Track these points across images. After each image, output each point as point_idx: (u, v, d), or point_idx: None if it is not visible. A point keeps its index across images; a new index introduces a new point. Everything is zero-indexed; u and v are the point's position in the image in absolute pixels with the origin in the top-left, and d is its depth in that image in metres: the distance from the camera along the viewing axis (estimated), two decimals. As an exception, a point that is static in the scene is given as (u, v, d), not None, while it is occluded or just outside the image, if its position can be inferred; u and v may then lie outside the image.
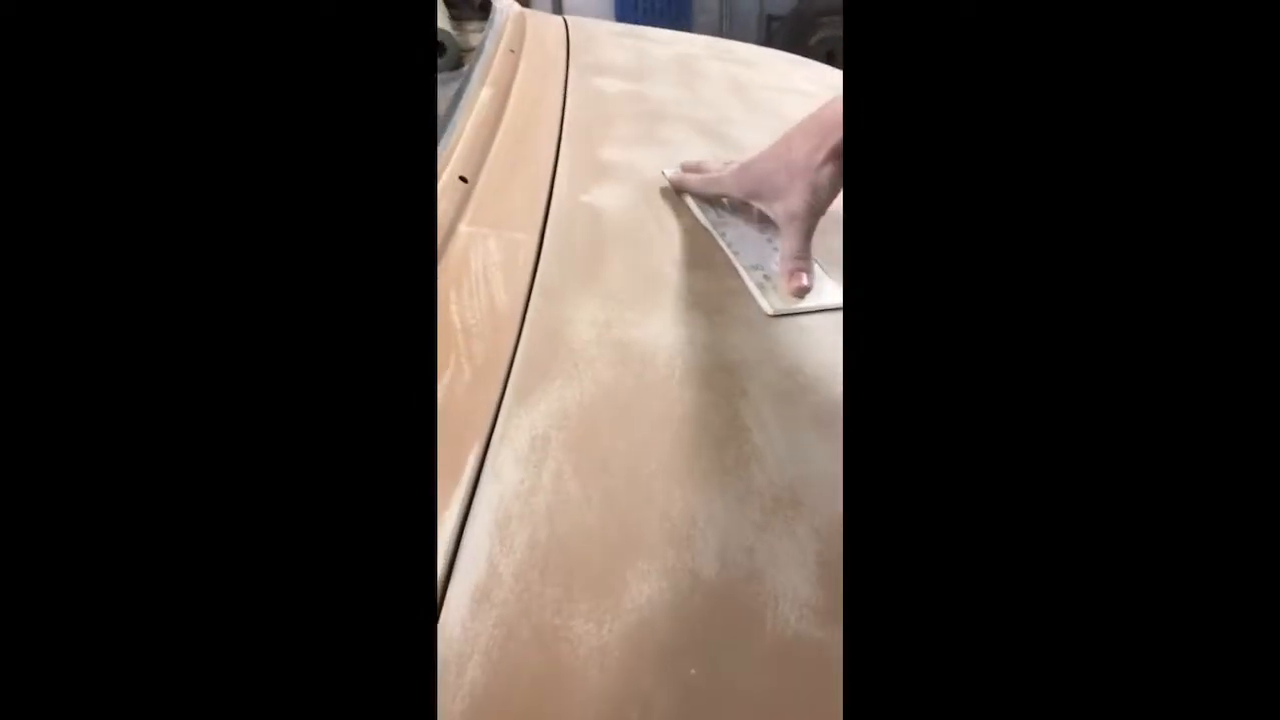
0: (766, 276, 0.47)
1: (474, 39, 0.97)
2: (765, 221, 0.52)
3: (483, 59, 0.70)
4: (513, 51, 0.76)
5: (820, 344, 0.44)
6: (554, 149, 0.58)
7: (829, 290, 0.47)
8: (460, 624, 0.30)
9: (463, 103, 0.61)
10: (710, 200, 0.54)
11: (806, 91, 0.87)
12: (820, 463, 0.37)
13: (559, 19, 1.02)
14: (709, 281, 0.47)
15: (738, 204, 0.54)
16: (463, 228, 0.47)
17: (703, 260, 0.49)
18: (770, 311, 0.44)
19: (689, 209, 0.53)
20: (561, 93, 0.69)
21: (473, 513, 0.33)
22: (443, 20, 0.94)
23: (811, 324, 0.45)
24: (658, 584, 0.32)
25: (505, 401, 0.37)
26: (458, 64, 0.91)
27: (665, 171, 0.57)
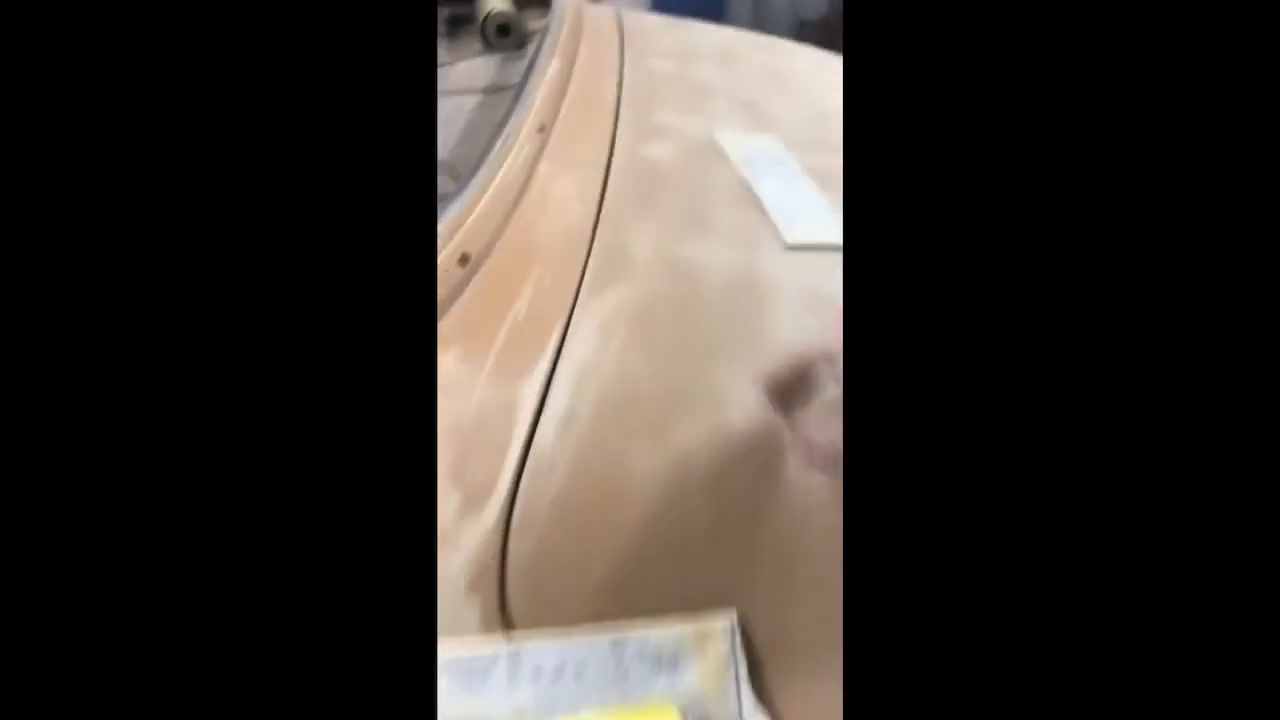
0: (789, 218, 0.56)
1: (534, 25, 1.07)
2: (795, 177, 0.61)
3: (549, 38, 0.80)
4: (574, 34, 0.85)
5: (833, 265, 0.53)
6: (614, 111, 0.68)
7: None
8: (548, 444, 0.40)
9: (535, 71, 0.70)
10: (749, 159, 0.63)
11: (837, 85, 0.96)
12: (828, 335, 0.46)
13: (611, 9, 1.12)
14: (745, 218, 0.56)
15: (773, 157, 0.63)
16: (542, 167, 0.56)
17: (741, 202, 0.58)
18: (790, 243, 0.54)
19: (730, 164, 0.63)
20: (618, 68, 0.79)
21: (556, 371, 0.42)
22: (506, 5, 1.04)
23: (825, 255, 0.54)
24: (696, 430, 0.41)
25: (580, 297, 0.46)
26: (521, 44, 1.01)
27: (714, 134, 0.66)
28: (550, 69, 0.71)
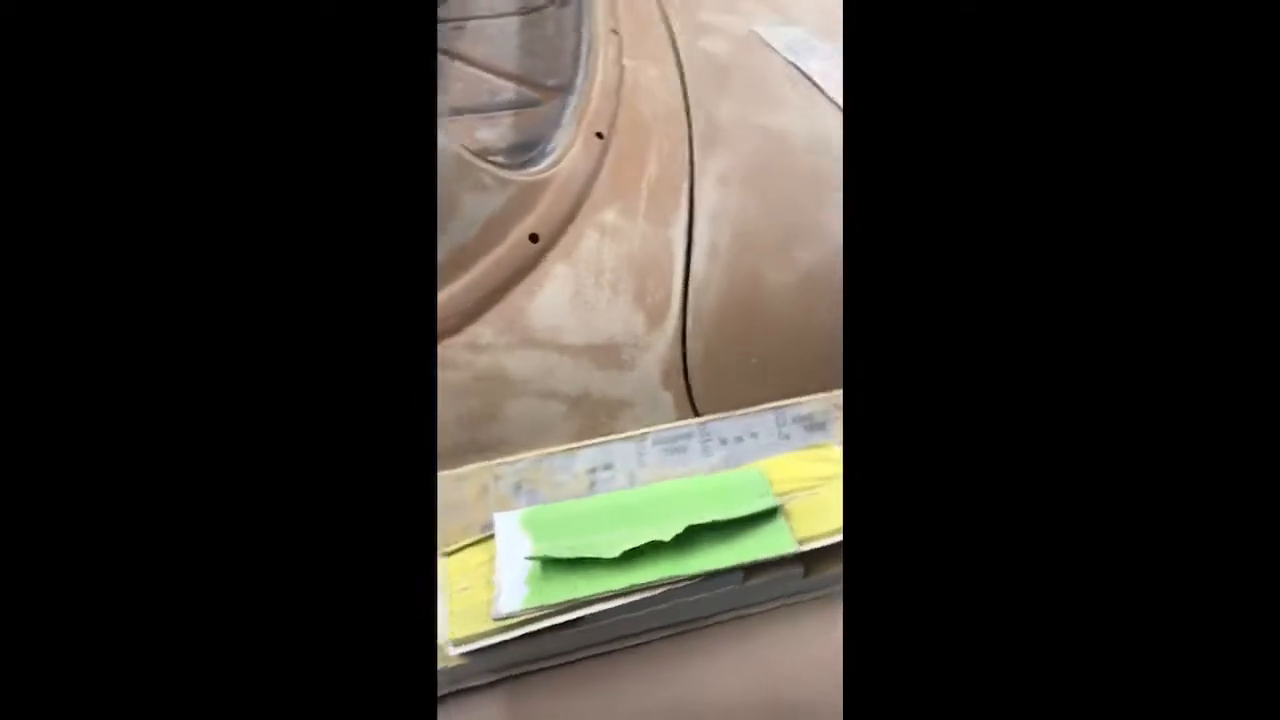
0: (834, 91, 0.66)
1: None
2: (832, 57, 0.71)
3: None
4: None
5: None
6: (662, 15, 0.75)
7: None
8: (701, 270, 0.50)
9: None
10: (790, 47, 0.72)
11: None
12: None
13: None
14: (802, 93, 0.66)
15: (810, 44, 0.72)
16: (625, 61, 0.64)
17: (794, 80, 0.67)
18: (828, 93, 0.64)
19: (776, 52, 0.72)
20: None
21: (694, 216, 0.52)
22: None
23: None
24: (811, 255, 0.52)
25: (695, 159, 0.56)
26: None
27: (755, 29, 0.75)
28: (595, -18, 0.78)
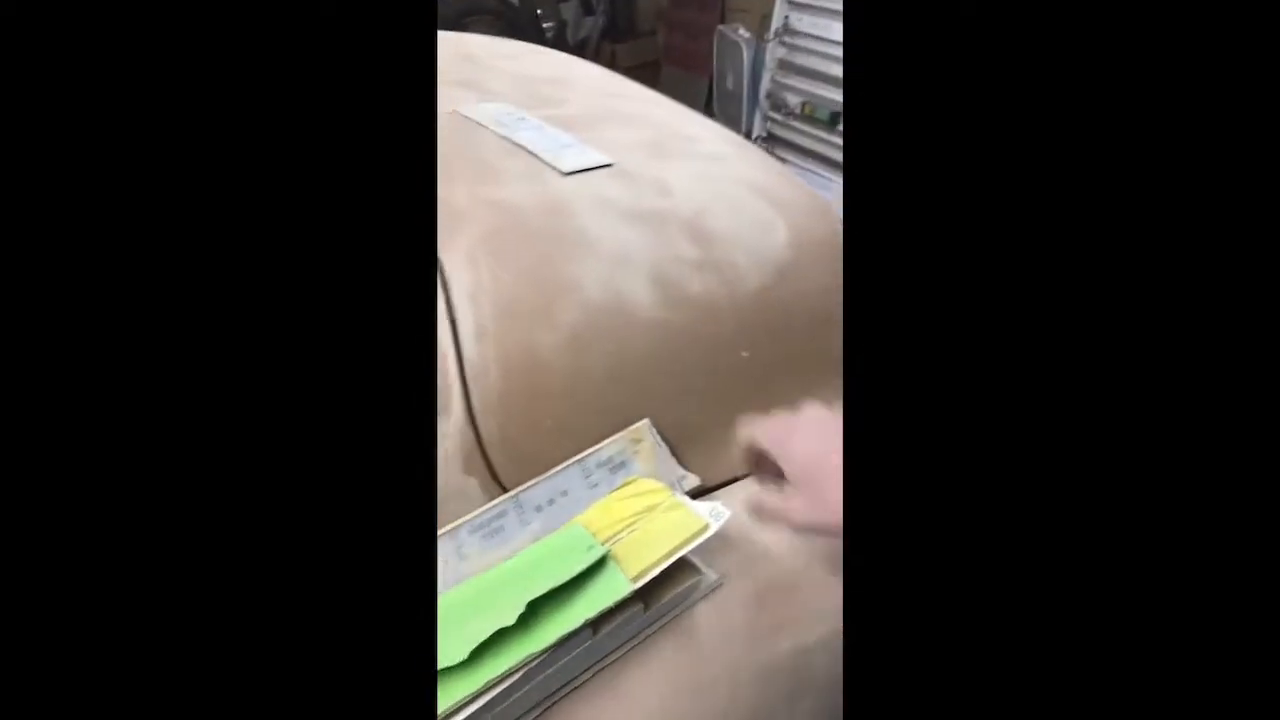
0: (555, 155, 0.70)
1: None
2: (539, 126, 0.76)
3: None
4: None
5: (602, 179, 0.69)
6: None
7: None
8: (473, 352, 0.50)
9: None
10: (498, 122, 0.75)
11: (514, 54, 1.11)
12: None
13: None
14: (522, 162, 0.69)
15: (515, 116, 0.76)
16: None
17: (511, 153, 0.71)
18: (565, 171, 0.68)
19: (485, 129, 0.75)
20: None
21: (451, 298, 0.52)
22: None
23: (594, 173, 0.70)
24: (574, 312, 0.55)
25: (439, 243, 0.56)
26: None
27: (458, 109, 0.77)
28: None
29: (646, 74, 2.67)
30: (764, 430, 0.43)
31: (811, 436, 0.41)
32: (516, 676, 0.38)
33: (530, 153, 0.73)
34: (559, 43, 2.84)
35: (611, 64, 2.37)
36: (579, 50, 2.84)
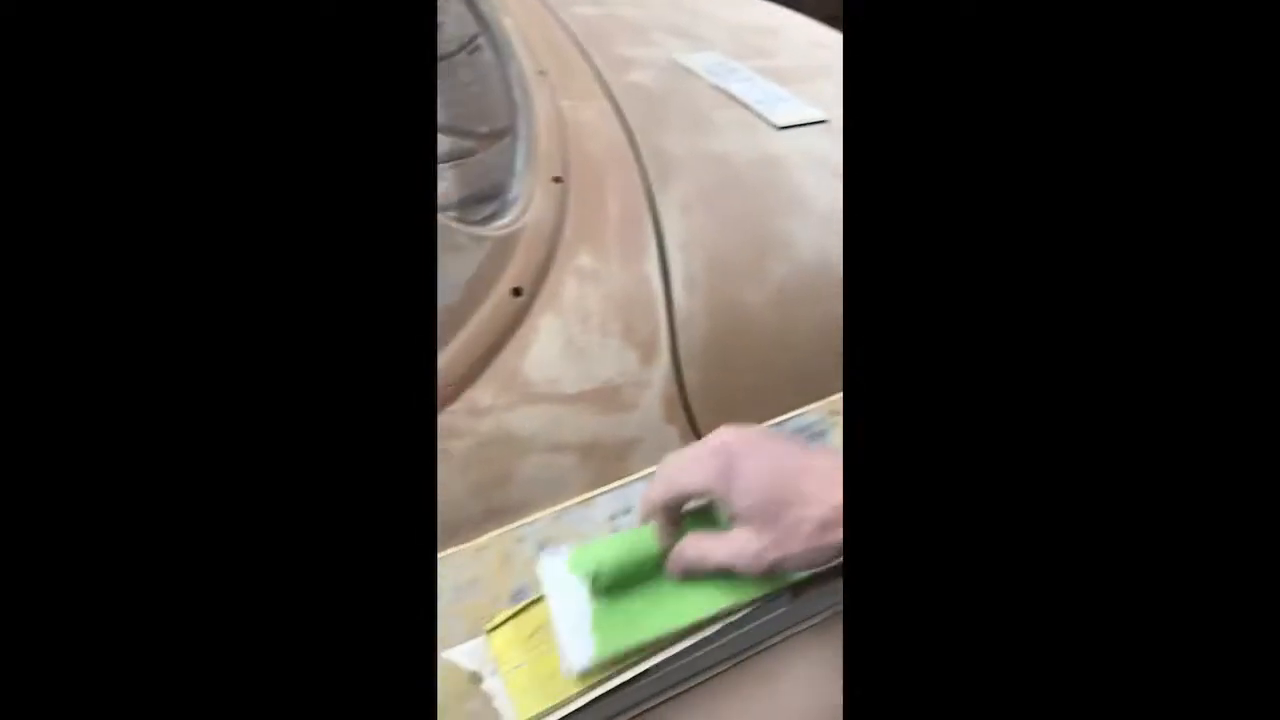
0: (769, 108, 0.68)
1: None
2: (752, 77, 0.73)
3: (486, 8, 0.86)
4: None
5: (816, 134, 0.66)
6: (580, 52, 0.76)
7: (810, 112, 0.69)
8: (682, 300, 0.50)
9: (494, 28, 0.77)
10: (712, 71, 0.74)
11: (727, 1, 1.08)
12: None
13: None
14: (735, 114, 0.67)
15: (728, 67, 0.74)
16: (562, 102, 0.64)
17: (724, 104, 0.69)
18: (778, 124, 0.66)
19: (699, 78, 0.73)
20: (554, 18, 0.86)
21: (665, 248, 0.52)
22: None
23: (806, 128, 0.67)
24: (782, 267, 0.53)
25: (653, 192, 0.56)
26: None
27: (675, 57, 0.76)
28: (506, 24, 0.78)
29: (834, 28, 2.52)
30: (694, 471, 0.38)
31: (763, 463, 0.36)
32: (717, 628, 0.38)
33: (744, 104, 0.71)
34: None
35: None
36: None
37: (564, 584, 0.38)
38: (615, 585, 0.38)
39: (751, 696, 0.40)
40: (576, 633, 0.37)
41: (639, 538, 0.39)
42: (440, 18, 1.00)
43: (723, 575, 0.38)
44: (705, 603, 0.38)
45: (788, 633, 0.42)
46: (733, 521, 0.37)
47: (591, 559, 0.38)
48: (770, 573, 0.36)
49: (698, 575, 0.38)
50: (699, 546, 0.38)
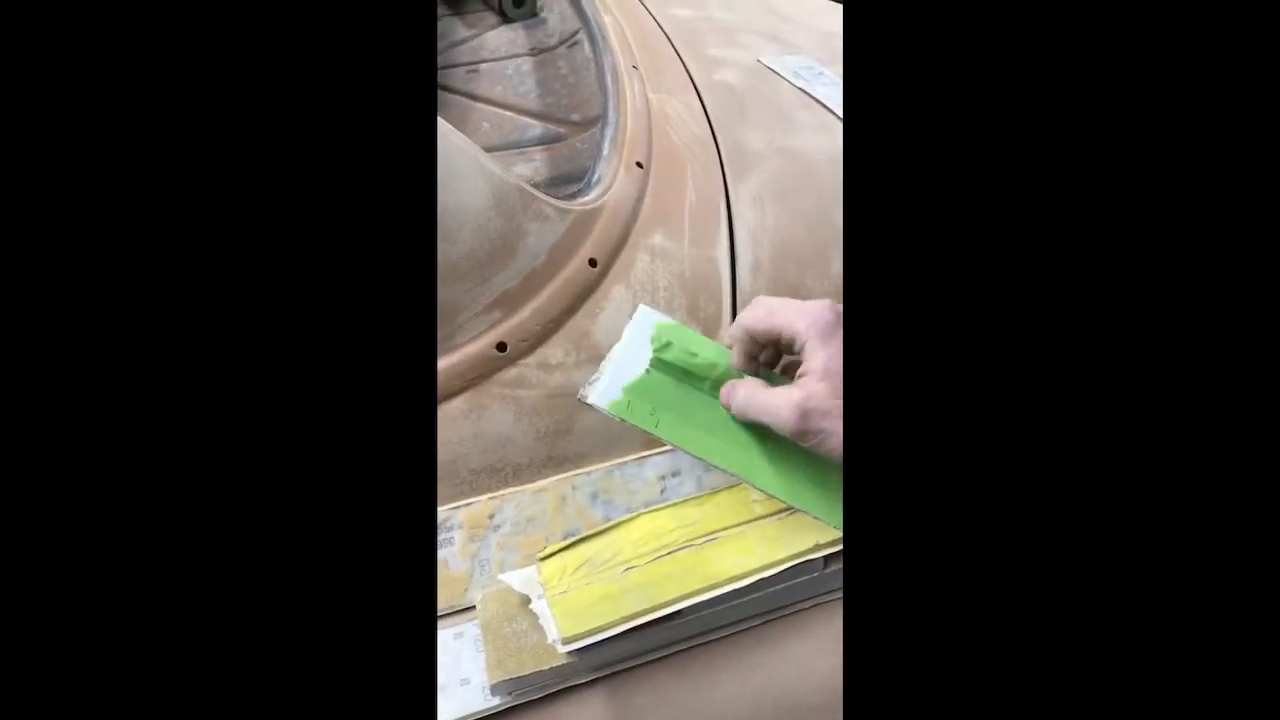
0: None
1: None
2: (837, 81, 0.75)
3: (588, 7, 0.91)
4: (596, -6, 0.96)
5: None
6: (673, 51, 0.80)
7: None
8: (747, 284, 0.53)
9: (592, 24, 0.82)
10: (797, 74, 0.76)
11: (819, 9, 1.10)
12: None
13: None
14: (816, 115, 0.70)
15: (814, 70, 0.77)
16: (651, 95, 0.68)
17: (806, 105, 0.72)
18: (840, 115, 0.68)
19: (783, 80, 0.76)
20: (651, 18, 0.91)
21: (735, 235, 0.55)
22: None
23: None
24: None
25: (729, 183, 0.59)
26: (534, 12, 1.11)
27: (760, 59, 0.79)
28: (605, 21, 0.82)
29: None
30: (795, 316, 0.37)
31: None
32: (750, 582, 0.41)
33: (825, 107, 0.73)
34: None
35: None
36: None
37: (639, 336, 0.41)
38: (674, 368, 0.39)
39: (776, 654, 0.42)
40: (615, 379, 0.39)
41: (717, 351, 0.40)
42: (544, 13, 1.07)
43: (758, 459, 0.39)
44: (724, 458, 0.38)
45: (819, 599, 0.44)
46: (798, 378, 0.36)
47: (672, 335, 0.40)
48: (801, 432, 0.35)
49: (741, 416, 0.38)
50: (752, 390, 0.38)
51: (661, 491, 0.48)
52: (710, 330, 0.52)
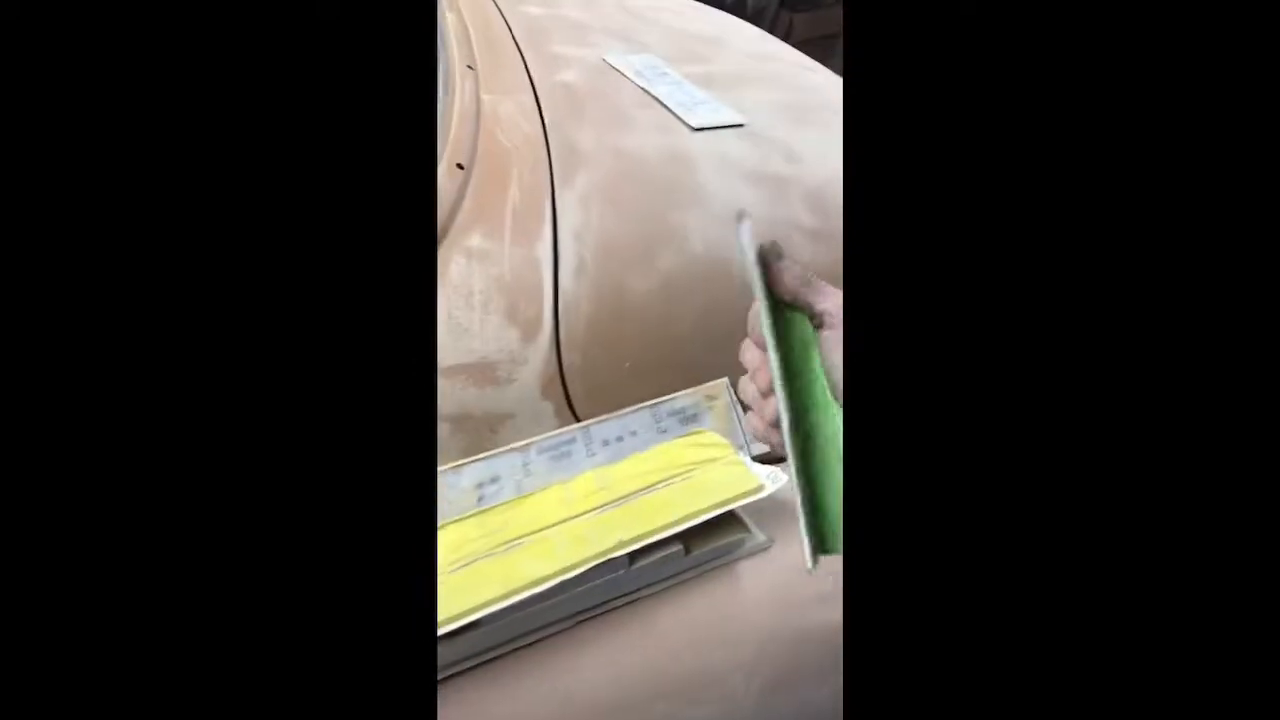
0: (688, 110, 0.71)
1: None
2: (679, 81, 0.76)
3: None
4: (446, -9, 0.94)
5: (729, 139, 0.69)
6: (516, 49, 0.79)
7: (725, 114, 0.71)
8: (569, 285, 0.52)
9: (440, 32, 0.80)
10: (640, 73, 0.77)
11: (677, 10, 1.11)
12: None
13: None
14: (654, 114, 0.70)
15: (658, 69, 0.77)
16: (484, 95, 0.67)
17: (646, 104, 0.72)
18: (695, 126, 0.69)
19: (626, 79, 0.76)
20: (500, 16, 0.89)
21: (559, 234, 0.55)
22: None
23: (722, 132, 0.69)
24: (672, 259, 0.56)
25: (555, 183, 0.59)
26: None
27: (605, 58, 0.79)
28: (450, 21, 0.81)
29: (824, 47, 2.56)
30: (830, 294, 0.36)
31: None
32: (551, 584, 0.40)
33: (664, 105, 0.74)
34: (737, 9, 2.79)
35: (788, 35, 2.30)
36: (756, 17, 2.77)
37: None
38: None
39: (586, 657, 0.42)
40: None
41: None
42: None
43: None
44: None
45: (629, 598, 0.44)
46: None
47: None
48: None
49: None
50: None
51: (479, 500, 0.47)
52: (531, 331, 0.51)
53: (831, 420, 0.35)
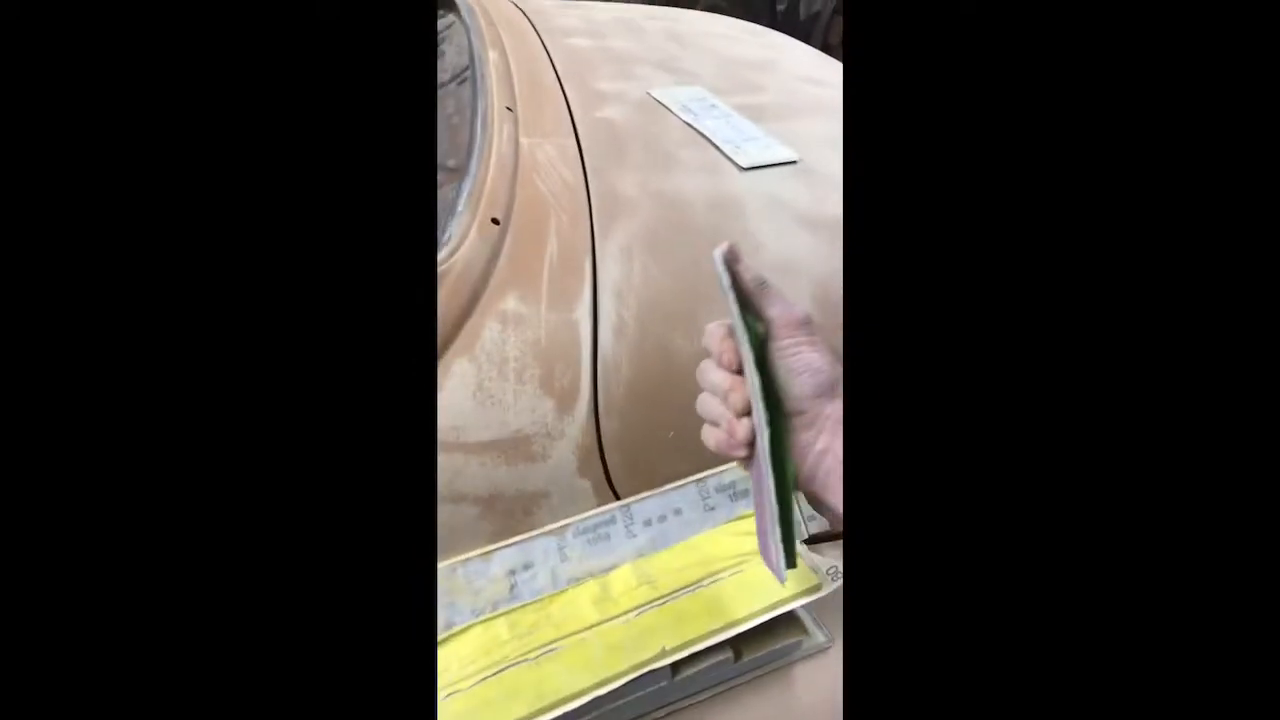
0: (736, 147, 0.67)
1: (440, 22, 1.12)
2: (728, 115, 0.72)
3: (474, 32, 0.86)
4: (490, 23, 0.92)
5: (781, 177, 0.64)
6: (559, 86, 0.76)
7: (777, 149, 0.67)
8: (609, 348, 0.49)
9: (476, 61, 0.77)
10: (686, 107, 0.73)
11: (727, 34, 1.07)
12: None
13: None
14: (701, 153, 0.66)
15: (706, 103, 0.73)
16: (522, 139, 0.64)
17: (692, 141, 0.68)
18: (744, 165, 0.64)
19: (672, 114, 0.72)
20: (544, 50, 0.87)
21: (599, 293, 0.51)
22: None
23: (774, 170, 0.65)
24: (719, 318, 0.52)
25: (595, 234, 0.55)
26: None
27: (651, 92, 0.76)
28: (490, 58, 0.78)
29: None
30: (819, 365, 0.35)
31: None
32: (586, 700, 0.37)
33: (712, 143, 0.70)
34: (790, 16, 2.72)
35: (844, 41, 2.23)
36: (810, 24, 2.70)
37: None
38: None
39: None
40: None
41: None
42: (443, 45, 1.02)
43: None
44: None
45: (671, 708, 0.40)
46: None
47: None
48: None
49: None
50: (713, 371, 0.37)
51: (511, 589, 0.44)
52: (567, 401, 0.48)
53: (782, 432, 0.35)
